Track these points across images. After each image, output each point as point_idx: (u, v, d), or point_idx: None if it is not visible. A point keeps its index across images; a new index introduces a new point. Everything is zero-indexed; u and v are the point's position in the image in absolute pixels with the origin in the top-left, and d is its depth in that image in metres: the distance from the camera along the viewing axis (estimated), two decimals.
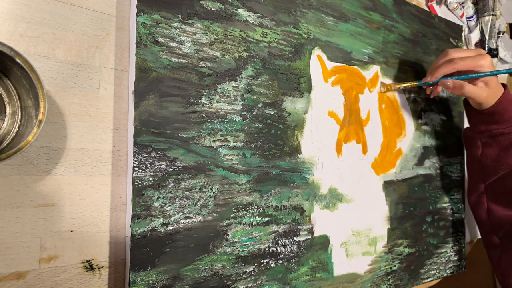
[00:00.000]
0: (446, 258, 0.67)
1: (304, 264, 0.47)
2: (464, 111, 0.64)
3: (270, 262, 0.44)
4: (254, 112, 0.43)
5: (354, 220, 0.53)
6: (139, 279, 0.35)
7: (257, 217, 0.43)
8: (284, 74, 0.46)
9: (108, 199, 0.36)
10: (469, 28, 0.79)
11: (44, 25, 0.33)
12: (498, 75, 0.58)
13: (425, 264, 0.63)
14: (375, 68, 0.57)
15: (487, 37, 0.78)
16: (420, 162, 0.63)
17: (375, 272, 0.55)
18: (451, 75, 0.57)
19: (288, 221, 0.46)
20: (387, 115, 0.59)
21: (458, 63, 0.54)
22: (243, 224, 0.42)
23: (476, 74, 0.55)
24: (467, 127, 0.65)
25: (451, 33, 0.72)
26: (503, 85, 0.58)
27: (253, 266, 0.43)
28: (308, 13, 0.49)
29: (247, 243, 0.42)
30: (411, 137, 0.62)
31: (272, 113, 0.45)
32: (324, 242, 0.49)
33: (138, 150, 0.35)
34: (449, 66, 0.55)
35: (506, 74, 0.90)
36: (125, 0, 0.37)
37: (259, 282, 0.43)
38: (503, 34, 0.83)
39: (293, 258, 0.46)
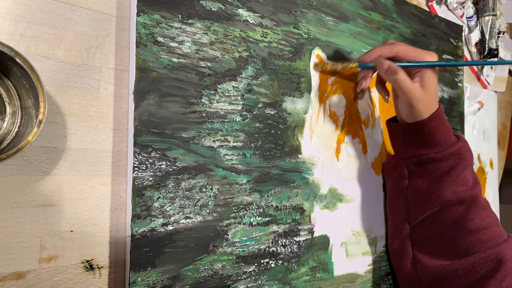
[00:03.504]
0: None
1: (304, 264, 0.47)
2: (388, 133, 0.53)
3: (270, 262, 0.44)
4: (254, 112, 0.43)
5: (354, 220, 0.53)
6: (139, 279, 0.35)
7: (257, 217, 0.43)
8: (284, 74, 0.46)
9: (108, 199, 0.36)
10: (469, 28, 0.79)
11: (44, 25, 0.33)
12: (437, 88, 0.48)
13: None
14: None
15: (487, 37, 0.78)
16: None
17: (375, 272, 0.55)
18: (390, 60, 0.47)
19: (288, 221, 0.46)
20: (387, 115, 0.59)
21: (399, 46, 0.47)
22: (243, 224, 0.42)
23: (415, 62, 0.46)
24: (389, 156, 0.55)
25: (451, 33, 0.72)
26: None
27: (253, 266, 0.43)
28: (308, 13, 0.49)
29: (247, 243, 0.42)
30: None
31: (272, 113, 0.45)
32: (324, 242, 0.49)
33: (138, 150, 0.35)
34: (388, 47, 0.48)
35: (507, 74, 0.90)
36: (125, 0, 0.37)
37: (259, 282, 0.43)
38: (503, 34, 0.83)
39: (293, 258, 0.46)
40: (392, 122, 0.52)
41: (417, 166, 0.49)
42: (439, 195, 0.48)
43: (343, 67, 0.50)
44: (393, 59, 0.48)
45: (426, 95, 0.46)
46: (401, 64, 0.47)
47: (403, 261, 0.51)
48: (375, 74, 0.53)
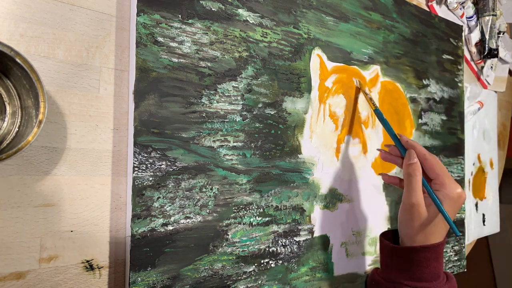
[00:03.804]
0: (446, 258, 0.67)
1: (304, 264, 0.47)
2: (379, 247, 0.50)
3: (270, 262, 0.44)
4: (254, 112, 0.43)
5: (354, 220, 0.53)
6: (139, 279, 0.35)
7: (257, 217, 0.43)
8: (284, 74, 0.46)
9: (108, 199, 0.36)
10: (469, 28, 0.79)
11: (44, 25, 0.33)
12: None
13: None
14: (375, 68, 0.57)
15: (487, 37, 0.78)
16: None
17: None
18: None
19: (288, 221, 0.46)
20: (387, 115, 0.59)
21: (433, 159, 0.45)
22: (243, 224, 0.42)
23: (433, 197, 0.44)
24: (375, 268, 0.51)
25: (451, 33, 0.72)
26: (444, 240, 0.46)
27: (253, 266, 0.43)
28: (308, 13, 0.49)
29: (247, 243, 0.42)
30: (411, 137, 0.62)
31: (272, 113, 0.45)
32: (324, 242, 0.49)
33: (138, 150, 0.35)
34: (426, 152, 0.46)
35: (507, 74, 0.90)
36: (125, 0, 0.37)
37: (259, 282, 0.43)
38: (503, 34, 0.83)
39: (293, 258, 0.46)
40: (381, 237, 0.49)
41: None
42: None
43: (368, 97, 0.52)
44: (423, 164, 0.46)
45: (426, 215, 0.44)
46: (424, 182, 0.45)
47: None
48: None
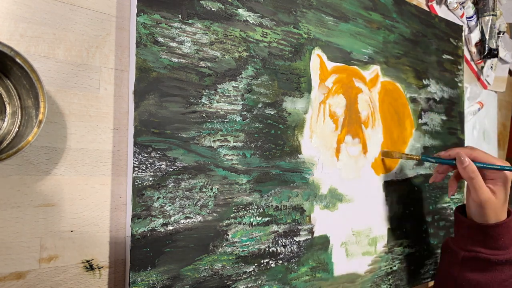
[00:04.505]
0: None
1: (304, 264, 0.47)
2: (455, 221, 0.56)
3: (270, 262, 0.44)
4: (254, 112, 0.43)
5: (354, 220, 0.53)
6: (139, 279, 0.35)
7: (257, 217, 0.43)
8: (284, 74, 0.46)
9: (108, 199, 0.36)
10: (469, 28, 0.79)
11: (44, 25, 0.33)
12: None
13: (425, 264, 0.63)
14: (375, 68, 0.57)
15: (487, 37, 0.78)
16: (420, 162, 0.63)
17: (375, 272, 0.55)
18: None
19: (288, 221, 0.46)
20: (387, 115, 0.59)
21: (478, 152, 0.51)
22: (243, 224, 0.42)
23: (495, 165, 0.50)
24: (450, 237, 0.57)
25: (451, 33, 0.72)
26: (508, 211, 0.52)
27: (253, 266, 0.43)
28: (308, 13, 0.49)
29: (247, 243, 0.42)
30: (411, 137, 0.62)
31: (272, 113, 0.45)
32: (324, 242, 0.49)
33: (138, 150, 0.35)
34: (469, 150, 0.52)
35: (507, 74, 0.90)
36: (125, 0, 0.37)
37: (259, 282, 0.43)
38: (503, 34, 0.83)
39: (293, 258, 0.46)
40: (460, 214, 0.55)
41: (472, 260, 0.52)
42: None
43: (406, 157, 0.56)
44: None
45: (496, 201, 0.50)
46: (480, 164, 0.51)
47: None
48: None
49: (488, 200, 0.50)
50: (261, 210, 0.43)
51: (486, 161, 0.51)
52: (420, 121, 0.64)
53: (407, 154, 0.56)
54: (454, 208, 0.56)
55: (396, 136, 0.60)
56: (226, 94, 0.41)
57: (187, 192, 0.38)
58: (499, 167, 0.50)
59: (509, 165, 0.50)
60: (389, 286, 0.57)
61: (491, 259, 0.50)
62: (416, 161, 0.62)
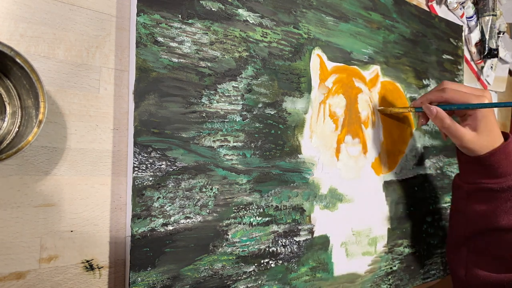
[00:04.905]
0: (446, 258, 0.67)
1: (304, 264, 0.47)
2: (457, 157, 0.57)
3: (270, 262, 0.44)
4: (254, 112, 0.43)
5: (354, 220, 0.53)
6: (139, 279, 0.35)
7: (257, 217, 0.43)
8: (284, 74, 0.46)
9: (108, 199, 0.36)
10: (469, 28, 0.79)
11: (44, 25, 0.33)
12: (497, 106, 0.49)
13: (425, 264, 0.63)
14: (375, 68, 0.57)
15: (487, 37, 0.78)
16: (420, 162, 0.63)
17: (375, 272, 0.55)
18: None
19: (288, 221, 0.46)
20: (387, 115, 0.59)
21: (448, 93, 0.50)
22: (243, 224, 0.42)
23: (461, 105, 0.49)
24: (457, 174, 0.58)
25: (451, 33, 0.72)
26: (505, 134, 0.52)
27: (253, 266, 0.43)
28: (308, 13, 0.49)
29: (247, 243, 0.42)
30: (411, 137, 0.62)
31: (272, 113, 0.45)
32: (324, 242, 0.49)
33: (138, 150, 0.35)
34: (438, 94, 0.51)
35: (507, 74, 0.90)
36: (125, 0, 0.37)
37: (259, 282, 0.43)
38: (503, 34, 0.83)
39: (293, 258, 0.46)
40: (458, 149, 0.55)
41: (476, 191, 0.53)
42: (494, 221, 0.51)
43: (402, 111, 0.57)
44: (444, 103, 0.51)
45: (480, 136, 0.49)
46: (445, 106, 0.50)
47: (458, 269, 0.56)
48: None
49: (469, 141, 0.49)
50: (261, 210, 0.43)
51: (459, 99, 0.49)
52: None
53: (399, 108, 0.58)
54: (456, 149, 0.57)
55: (396, 136, 0.60)
56: (226, 94, 0.41)
57: (187, 192, 0.38)
58: (470, 106, 0.48)
59: (483, 96, 0.49)
60: (389, 286, 0.57)
61: (494, 188, 0.50)
62: (415, 158, 0.62)
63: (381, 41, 0.58)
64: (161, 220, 0.36)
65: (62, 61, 0.34)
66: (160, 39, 0.37)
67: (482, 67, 0.82)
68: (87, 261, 0.34)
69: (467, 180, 0.54)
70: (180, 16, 0.39)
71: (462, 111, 0.51)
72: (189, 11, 0.39)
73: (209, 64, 0.40)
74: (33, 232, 0.32)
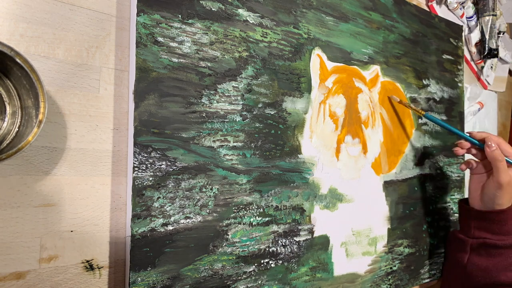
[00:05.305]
0: None
1: (304, 264, 0.47)
2: (459, 212, 0.60)
3: (270, 262, 0.44)
4: (254, 112, 0.43)
5: (354, 220, 0.53)
6: (139, 279, 0.35)
7: (257, 217, 0.43)
8: (284, 74, 0.46)
9: (108, 199, 0.36)
10: (469, 28, 0.79)
11: (44, 25, 0.33)
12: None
13: (425, 264, 0.63)
14: (375, 68, 0.57)
15: (487, 37, 0.78)
16: (420, 162, 0.63)
17: (375, 272, 0.55)
18: None
19: (288, 221, 0.46)
20: (387, 115, 0.59)
21: (503, 142, 0.53)
22: (243, 224, 0.42)
23: None
24: (455, 230, 0.61)
25: (451, 33, 0.72)
26: None
27: (253, 266, 0.43)
28: (308, 13, 0.49)
29: (247, 243, 0.42)
30: (411, 137, 0.62)
31: (272, 113, 0.45)
32: (324, 242, 0.49)
33: (138, 150, 0.35)
34: (496, 138, 0.54)
35: (507, 74, 0.90)
36: (125, 0, 0.37)
37: (259, 282, 0.43)
38: (503, 34, 0.83)
39: (293, 258, 0.46)
40: (464, 204, 0.58)
41: (480, 246, 0.55)
42: (495, 275, 0.53)
43: (413, 108, 0.58)
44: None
45: (510, 189, 0.52)
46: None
47: None
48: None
49: (509, 183, 0.52)
50: (261, 210, 0.43)
51: (509, 153, 0.53)
52: (420, 121, 0.64)
53: (410, 105, 0.59)
54: (456, 203, 0.59)
55: (396, 136, 0.60)
56: (226, 94, 0.41)
57: (187, 192, 0.38)
58: None
59: None
60: (389, 286, 0.57)
61: (498, 244, 0.53)
62: (415, 158, 0.62)
63: (381, 41, 0.58)
64: (161, 220, 0.36)
65: (62, 61, 0.34)
66: (160, 39, 0.37)
67: (482, 67, 0.82)
68: (87, 261, 0.34)
69: (472, 235, 0.56)
70: (180, 16, 0.39)
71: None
72: (189, 11, 0.39)
73: (209, 64, 0.40)
74: (33, 232, 0.32)
